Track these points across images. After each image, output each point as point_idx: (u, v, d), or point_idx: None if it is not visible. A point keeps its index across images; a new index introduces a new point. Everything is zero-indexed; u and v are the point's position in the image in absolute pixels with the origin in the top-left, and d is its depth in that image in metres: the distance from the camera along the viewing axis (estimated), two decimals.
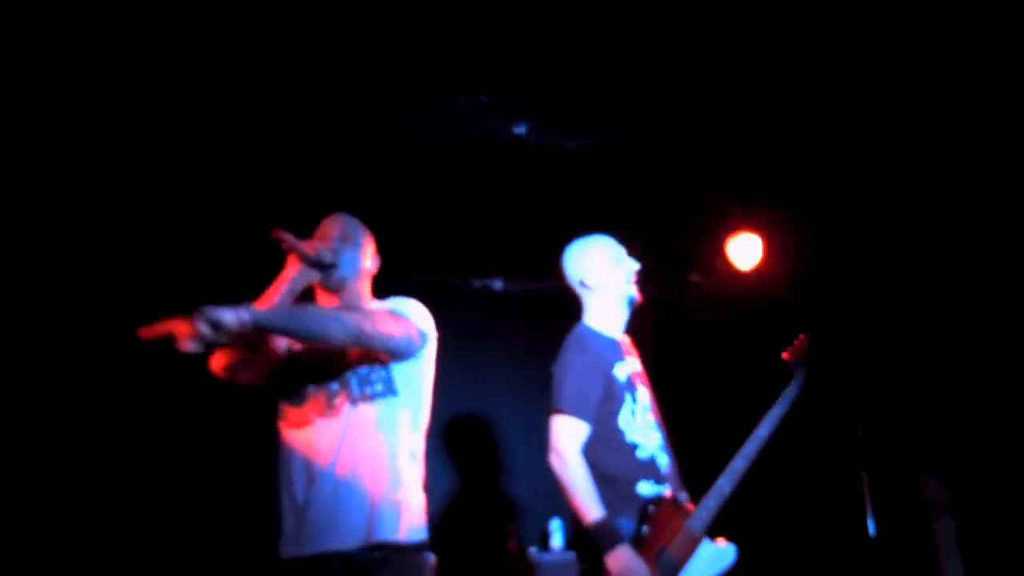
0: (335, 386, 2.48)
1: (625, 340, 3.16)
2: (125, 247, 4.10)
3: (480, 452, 5.21)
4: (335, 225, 2.63)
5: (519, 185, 4.16)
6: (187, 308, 1.94)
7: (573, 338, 3.02)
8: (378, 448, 2.43)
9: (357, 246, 2.65)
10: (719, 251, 4.72)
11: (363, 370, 2.49)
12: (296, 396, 2.49)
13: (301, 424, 2.46)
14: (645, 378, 3.16)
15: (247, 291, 2.38)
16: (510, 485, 5.25)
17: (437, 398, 2.70)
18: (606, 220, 3.30)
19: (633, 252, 3.14)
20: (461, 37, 3.07)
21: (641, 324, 3.26)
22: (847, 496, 4.33)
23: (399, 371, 2.52)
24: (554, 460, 2.87)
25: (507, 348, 5.24)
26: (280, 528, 2.44)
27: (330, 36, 3.14)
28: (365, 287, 2.68)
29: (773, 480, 3.29)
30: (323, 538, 2.34)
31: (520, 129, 3.31)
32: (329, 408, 2.45)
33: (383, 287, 2.72)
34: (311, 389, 2.48)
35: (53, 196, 3.69)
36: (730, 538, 2.94)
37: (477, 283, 5.28)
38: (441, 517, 5.07)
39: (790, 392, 3.07)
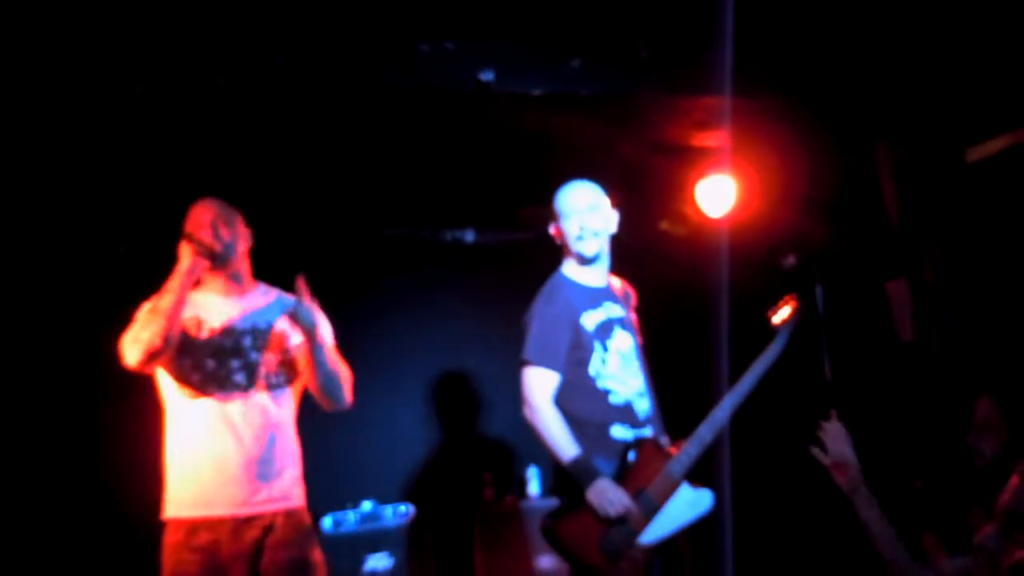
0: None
1: (615, 286, 3.20)
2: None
3: (455, 403, 5.24)
4: (208, 211, 2.78)
5: (488, 134, 4.12)
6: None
7: (545, 288, 3.08)
8: None
9: (235, 229, 2.82)
10: (689, 197, 4.72)
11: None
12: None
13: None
14: (634, 323, 3.19)
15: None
16: (486, 434, 5.29)
17: (411, 351, 2.73)
18: (576, 168, 3.28)
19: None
20: None
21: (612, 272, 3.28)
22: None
23: None
24: (525, 410, 2.93)
25: (480, 300, 5.23)
26: None
27: None
28: (246, 265, 2.91)
29: (751, 426, 3.34)
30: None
31: (487, 76, 3.26)
32: None
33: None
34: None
35: None
36: (708, 484, 3.01)
37: (448, 235, 5.25)
38: (419, 468, 5.11)
39: (772, 350, 3.10)
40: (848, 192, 4.45)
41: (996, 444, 2.81)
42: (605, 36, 3.52)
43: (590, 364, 2.97)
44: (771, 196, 4.54)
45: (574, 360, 2.95)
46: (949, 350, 3.94)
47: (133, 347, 2.64)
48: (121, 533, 4.13)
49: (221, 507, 2.68)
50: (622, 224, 3.20)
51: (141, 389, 2.87)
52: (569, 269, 3.12)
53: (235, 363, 2.73)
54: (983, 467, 2.83)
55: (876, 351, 4.42)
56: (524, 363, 2.96)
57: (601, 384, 2.97)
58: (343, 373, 2.89)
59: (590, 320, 3.02)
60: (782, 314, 3.17)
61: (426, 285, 5.14)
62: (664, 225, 5.27)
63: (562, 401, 2.93)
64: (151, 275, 2.79)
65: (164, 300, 2.65)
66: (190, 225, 2.75)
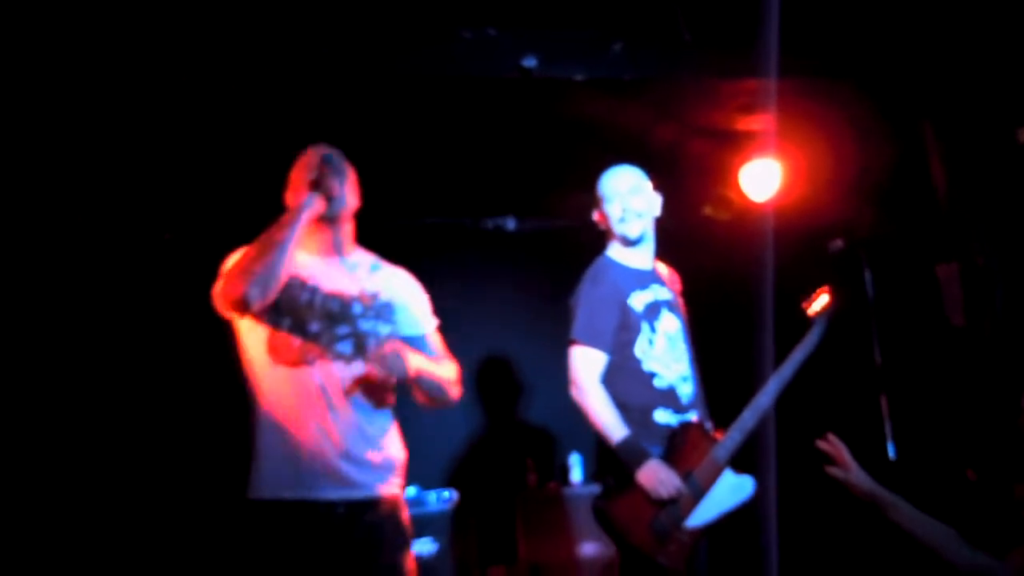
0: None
1: (661, 270, 3.20)
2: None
3: (498, 390, 5.25)
4: (324, 157, 2.48)
5: (530, 120, 4.11)
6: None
7: (590, 270, 3.08)
8: None
9: (346, 177, 2.53)
10: (733, 182, 4.67)
11: None
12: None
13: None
14: (681, 307, 3.18)
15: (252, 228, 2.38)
16: (528, 421, 5.29)
17: (453, 339, 2.72)
18: (618, 153, 3.26)
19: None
20: None
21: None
22: (868, 420, 4.35)
23: None
24: (573, 390, 2.93)
25: (521, 287, 5.24)
26: None
27: None
28: (351, 227, 2.61)
29: (796, 406, 3.31)
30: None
31: (529, 62, 3.25)
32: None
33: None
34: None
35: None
36: (756, 471, 2.99)
37: (489, 223, 5.25)
38: (462, 453, 5.13)
39: (810, 340, 3.09)
40: (897, 175, 4.37)
41: None
42: (647, 19, 3.49)
43: (636, 345, 2.96)
44: (817, 180, 4.48)
45: (621, 341, 2.95)
46: (1001, 334, 3.87)
47: (243, 279, 2.27)
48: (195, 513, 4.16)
49: (320, 489, 2.35)
50: (665, 209, 3.18)
51: (195, 369, 2.82)
52: (614, 252, 3.13)
53: (343, 329, 2.34)
54: None
55: (927, 336, 4.35)
56: (571, 342, 2.96)
57: (647, 367, 2.96)
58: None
59: (638, 301, 3.01)
60: (817, 305, 3.15)
61: (467, 273, 5.15)
62: (708, 210, 5.22)
63: (607, 383, 2.93)
64: (195, 262, 2.75)
65: (278, 233, 2.33)
66: (302, 168, 2.47)
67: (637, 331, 2.97)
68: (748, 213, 4.78)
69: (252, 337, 2.43)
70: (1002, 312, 3.89)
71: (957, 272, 4.07)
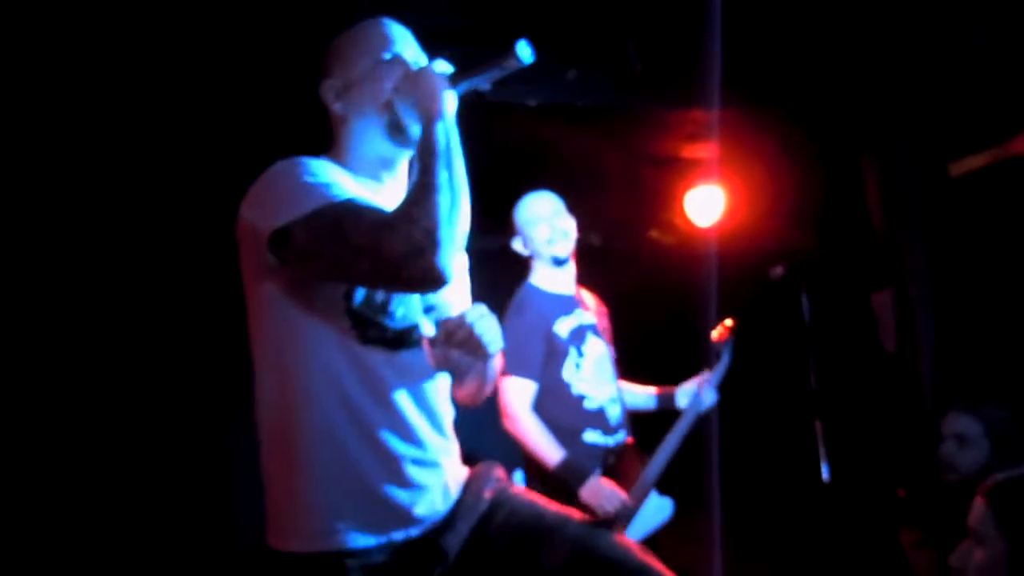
0: None
1: (582, 295, 3.25)
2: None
3: None
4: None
5: (481, 143, 4.15)
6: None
7: (514, 300, 3.12)
8: None
9: None
10: (678, 207, 4.77)
11: None
12: None
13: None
14: (606, 331, 3.24)
15: None
16: (467, 441, 5.30)
17: None
18: (566, 177, 3.33)
19: (588, 207, 3.19)
20: None
21: (601, 280, 3.33)
22: (803, 443, 4.45)
23: None
24: (506, 421, 2.98)
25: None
26: None
27: None
28: None
29: (733, 430, 3.40)
30: None
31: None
32: None
33: None
34: None
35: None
36: (689, 486, 3.08)
37: None
38: None
39: (720, 365, 3.25)
40: (834, 204, 4.52)
41: (975, 460, 2.86)
42: (600, 48, 3.58)
43: (564, 369, 3.02)
44: (759, 207, 4.60)
45: (548, 367, 3.00)
46: (931, 362, 4.01)
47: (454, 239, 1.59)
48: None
49: (405, 525, 1.71)
50: (613, 232, 3.25)
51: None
52: (537, 278, 3.16)
53: (431, 299, 1.83)
54: (955, 483, 2.89)
55: (861, 361, 4.48)
56: (501, 374, 3.00)
57: (576, 390, 3.03)
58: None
59: (563, 327, 3.07)
60: (719, 333, 3.29)
61: None
62: (654, 233, 5.32)
63: (538, 408, 2.98)
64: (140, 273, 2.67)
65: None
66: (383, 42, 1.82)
67: (564, 355, 3.03)
68: (693, 237, 4.89)
69: (310, 320, 1.68)
70: (933, 340, 4.04)
71: (891, 300, 4.21)
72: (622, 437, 3.08)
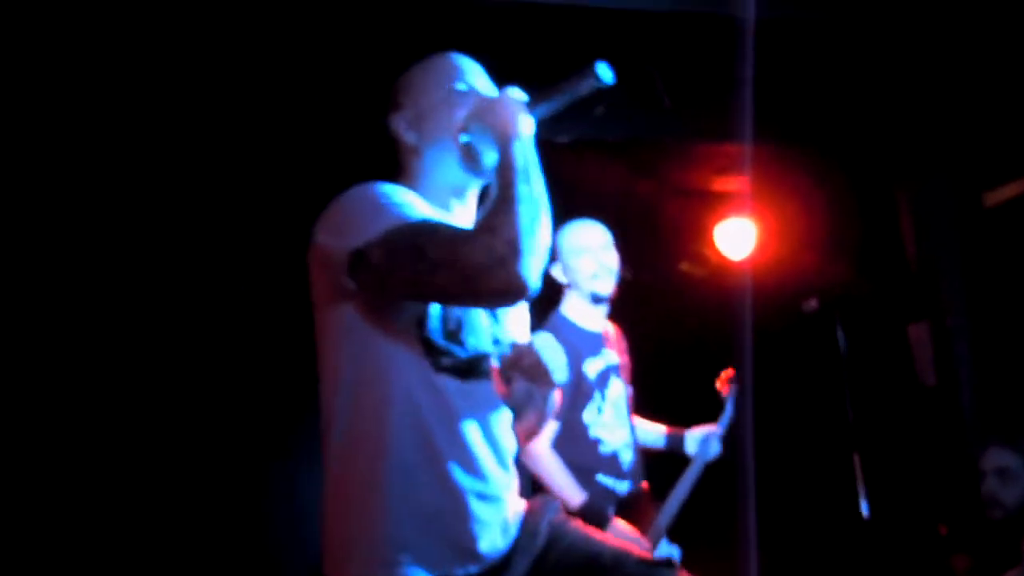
0: None
1: (608, 331, 3.15)
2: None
3: None
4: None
5: None
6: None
7: (546, 328, 2.94)
8: None
9: None
10: (709, 240, 4.76)
11: None
12: None
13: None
14: (626, 371, 3.17)
15: None
16: None
17: None
18: (597, 210, 3.32)
19: (617, 240, 3.13)
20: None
21: (632, 313, 3.31)
22: (841, 478, 4.39)
23: None
24: (525, 458, 2.85)
25: None
26: None
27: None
28: None
29: (769, 465, 3.36)
30: None
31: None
32: None
33: None
34: None
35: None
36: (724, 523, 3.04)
37: None
38: None
39: (725, 415, 3.21)
40: (869, 236, 4.48)
41: (1019, 493, 2.80)
42: (629, 84, 3.59)
43: (585, 411, 2.94)
44: (792, 240, 4.57)
45: (570, 406, 2.90)
46: (970, 394, 3.95)
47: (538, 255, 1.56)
48: None
49: (466, 561, 1.67)
50: (643, 265, 3.22)
51: None
52: (570, 310, 3.04)
53: (500, 329, 1.80)
54: (1001, 518, 2.83)
55: (898, 394, 4.42)
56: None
57: (593, 433, 2.95)
58: None
59: (592, 368, 2.97)
60: (721, 383, 3.29)
61: None
62: (684, 266, 5.30)
63: (553, 444, 2.90)
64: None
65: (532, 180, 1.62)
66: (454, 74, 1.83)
67: (589, 398, 2.94)
68: (724, 270, 4.87)
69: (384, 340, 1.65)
70: (971, 373, 3.97)
71: (928, 332, 4.15)
72: (631, 485, 3.00)
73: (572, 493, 2.81)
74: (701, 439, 3.11)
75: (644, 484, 3.06)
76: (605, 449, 2.96)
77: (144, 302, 3.95)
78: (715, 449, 3.11)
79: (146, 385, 3.91)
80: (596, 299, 3.02)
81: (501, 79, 1.83)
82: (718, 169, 4.14)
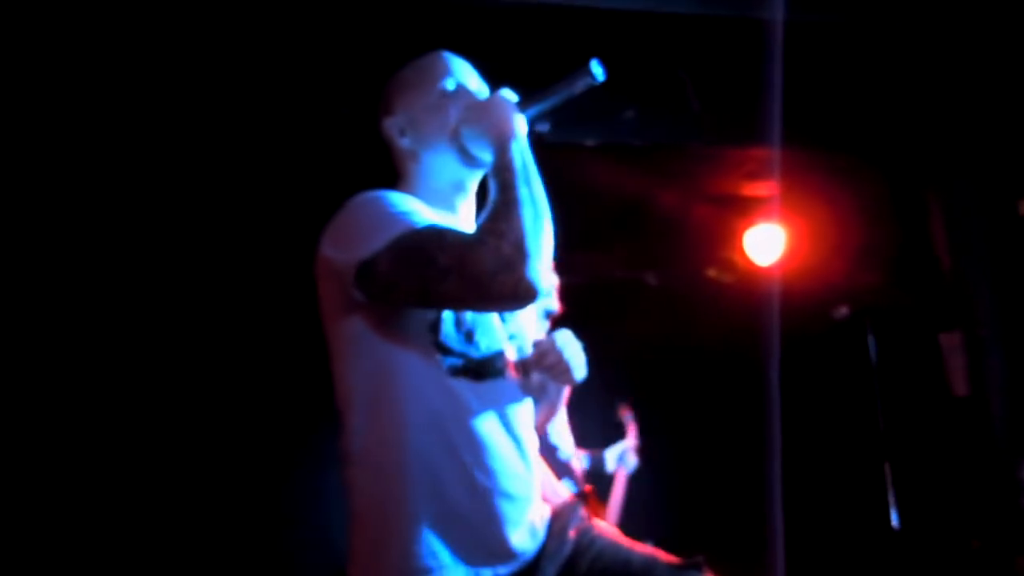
0: None
1: None
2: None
3: None
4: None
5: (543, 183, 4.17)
6: None
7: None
8: None
9: None
10: (737, 246, 4.72)
11: None
12: None
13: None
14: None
15: None
16: None
17: None
18: (616, 215, 3.32)
19: (645, 245, 3.16)
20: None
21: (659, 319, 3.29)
22: (871, 488, 4.35)
23: None
24: None
25: None
26: None
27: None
28: None
29: (797, 474, 3.32)
30: None
31: (542, 126, 3.34)
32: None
33: None
34: None
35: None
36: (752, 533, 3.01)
37: None
38: None
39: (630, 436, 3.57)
40: (900, 243, 4.42)
41: None
42: (658, 88, 3.58)
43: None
44: (822, 246, 4.53)
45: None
46: (1002, 403, 3.88)
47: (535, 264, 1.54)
48: None
49: (494, 563, 1.67)
50: (670, 271, 3.23)
51: None
52: None
53: (512, 327, 1.81)
54: None
55: (930, 404, 4.36)
56: None
57: (552, 440, 3.09)
58: None
59: None
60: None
61: None
62: (712, 273, 5.26)
63: None
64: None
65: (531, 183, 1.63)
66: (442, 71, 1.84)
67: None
68: (752, 277, 4.83)
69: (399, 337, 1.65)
70: (1003, 382, 3.91)
71: (960, 341, 4.10)
72: (578, 490, 3.15)
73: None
74: (619, 456, 3.46)
75: (588, 488, 3.21)
76: (562, 456, 3.11)
77: (173, 311, 4.00)
78: (633, 462, 3.45)
79: (173, 390, 3.95)
80: (547, 314, 3.11)
81: (529, 84, 1.82)
82: (747, 174, 4.11)
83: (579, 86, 1.70)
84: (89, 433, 3.86)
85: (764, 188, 4.28)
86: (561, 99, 1.73)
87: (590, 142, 3.53)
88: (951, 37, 3.53)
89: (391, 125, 1.80)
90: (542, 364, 1.69)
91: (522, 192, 1.57)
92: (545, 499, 1.82)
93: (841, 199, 4.26)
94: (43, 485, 3.76)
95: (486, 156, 1.71)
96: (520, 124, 1.66)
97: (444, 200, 1.77)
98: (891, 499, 4.19)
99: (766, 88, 3.17)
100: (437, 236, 1.57)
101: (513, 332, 1.78)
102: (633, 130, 3.57)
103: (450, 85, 1.78)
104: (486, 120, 1.67)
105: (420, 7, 3.16)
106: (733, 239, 4.73)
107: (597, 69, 1.68)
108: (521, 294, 1.51)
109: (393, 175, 1.86)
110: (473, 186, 1.82)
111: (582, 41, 3.29)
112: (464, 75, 1.82)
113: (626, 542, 1.80)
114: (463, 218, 1.79)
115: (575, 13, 3.20)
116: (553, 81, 1.72)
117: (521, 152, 1.62)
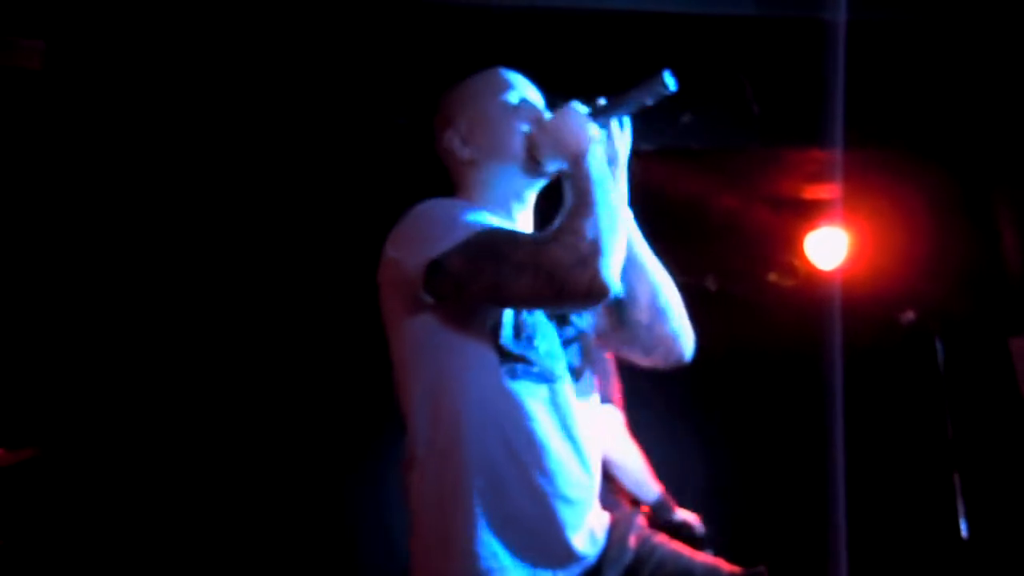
0: None
1: None
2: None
3: None
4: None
5: None
6: None
7: None
8: None
9: None
10: (799, 250, 4.66)
11: None
12: None
13: None
14: None
15: None
16: None
17: None
18: (675, 219, 3.29)
19: (705, 250, 3.12)
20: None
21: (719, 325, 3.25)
22: (940, 497, 4.26)
23: None
24: None
25: None
26: None
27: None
28: None
29: (863, 483, 3.26)
30: None
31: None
32: None
33: None
34: None
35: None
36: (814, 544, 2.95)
37: None
38: None
39: None
40: (967, 246, 4.33)
41: None
42: (716, 91, 3.55)
43: None
44: (885, 249, 4.45)
45: None
46: None
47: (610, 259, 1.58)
48: None
49: (555, 567, 1.68)
50: (730, 275, 3.19)
51: None
52: None
53: (569, 332, 1.80)
54: None
55: (1000, 410, 4.26)
56: None
57: None
58: None
59: None
60: None
61: None
62: (773, 277, 5.20)
63: None
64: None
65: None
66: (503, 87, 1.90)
67: None
68: (815, 281, 4.76)
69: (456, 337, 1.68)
70: None
71: None
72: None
73: None
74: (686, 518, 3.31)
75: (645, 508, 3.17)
76: (630, 478, 3.03)
77: (243, 319, 4.10)
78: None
79: (243, 397, 4.04)
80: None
81: (593, 92, 1.84)
82: (808, 176, 4.06)
83: (651, 96, 1.73)
84: (155, 438, 3.97)
85: (826, 190, 4.22)
86: (632, 109, 1.76)
87: (647, 147, 3.51)
88: (1016, 33, 3.45)
89: (451, 136, 1.84)
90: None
91: (598, 197, 1.61)
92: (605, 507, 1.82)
93: (905, 201, 4.19)
94: (116, 486, 3.88)
95: (553, 168, 1.75)
96: (594, 134, 1.70)
97: (503, 210, 1.80)
98: (960, 508, 4.09)
99: (827, 88, 3.14)
100: (510, 235, 1.63)
101: (570, 336, 1.79)
102: (692, 133, 3.55)
103: (513, 98, 1.82)
104: (560, 133, 1.71)
105: (478, 17, 3.20)
106: (795, 243, 4.67)
107: (669, 79, 1.70)
108: (595, 291, 1.53)
109: (448, 185, 1.89)
110: (532, 197, 1.85)
111: (641, 46, 3.29)
112: (525, 89, 1.86)
113: (687, 551, 1.80)
114: (521, 228, 1.81)
115: (634, 18, 3.20)
116: (619, 90, 1.75)
117: (597, 163, 1.66)
